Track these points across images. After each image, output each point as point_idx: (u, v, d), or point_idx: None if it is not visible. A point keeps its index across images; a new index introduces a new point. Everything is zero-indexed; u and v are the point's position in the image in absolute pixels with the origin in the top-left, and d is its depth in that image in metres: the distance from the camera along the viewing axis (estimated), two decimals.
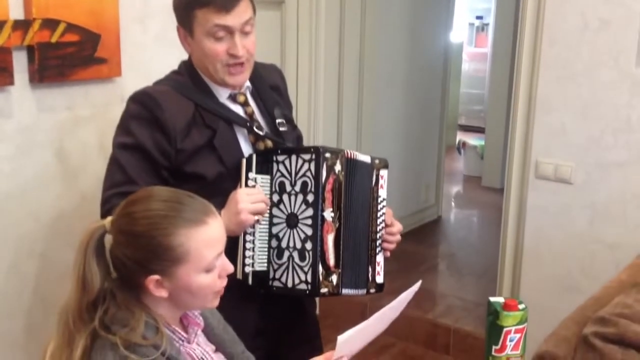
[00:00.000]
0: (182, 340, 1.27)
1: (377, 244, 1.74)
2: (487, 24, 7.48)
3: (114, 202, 1.53)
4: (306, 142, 2.78)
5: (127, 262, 1.20)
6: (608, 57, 2.49)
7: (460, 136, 6.72)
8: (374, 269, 1.74)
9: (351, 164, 1.65)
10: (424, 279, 1.55)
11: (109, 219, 1.24)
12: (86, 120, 2.15)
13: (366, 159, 1.71)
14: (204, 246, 1.20)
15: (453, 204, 5.42)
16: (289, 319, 1.76)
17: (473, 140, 6.33)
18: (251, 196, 1.55)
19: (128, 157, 1.58)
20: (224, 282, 1.27)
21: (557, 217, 2.70)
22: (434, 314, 3.28)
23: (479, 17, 7.64)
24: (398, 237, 1.78)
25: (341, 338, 1.22)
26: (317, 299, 1.87)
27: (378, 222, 1.74)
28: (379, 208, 1.74)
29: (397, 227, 1.79)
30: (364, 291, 1.72)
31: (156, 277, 1.19)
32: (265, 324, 1.69)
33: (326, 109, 3.53)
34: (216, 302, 1.28)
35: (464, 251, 4.31)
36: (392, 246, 1.77)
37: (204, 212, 1.23)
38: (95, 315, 1.18)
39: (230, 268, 1.27)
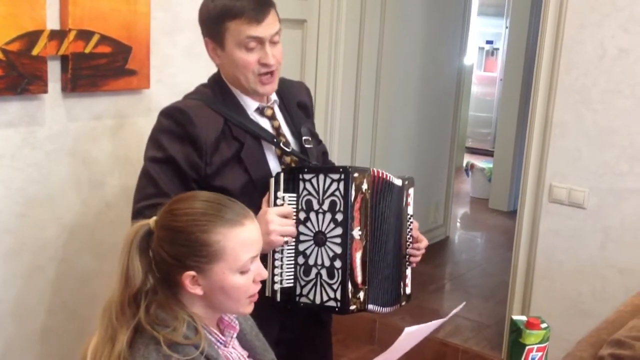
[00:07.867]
0: (220, 343, 1.31)
1: (406, 259, 1.77)
2: (497, 49, 7.55)
3: (147, 214, 1.55)
4: None
5: (166, 258, 1.24)
6: (625, 85, 2.53)
7: (468, 158, 6.75)
8: (404, 283, 1.77)
9: (379, 183, 1.66)
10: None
11: (154, 218, 1.28)
12: (113, 130, 2.20)
13: (397, 181, 1.72)
14: (239, 246, 1.25)
15: (460, 225, 5.44)
16: (307, 330, 1.79)
17: (480, 162, 6.37)
18: (282, 220, 1.58)
19: (159, 170, 1.60)
20: (257, 287, 1.30)
21: (569, 241, 2.73)
22: (442, 333, 3.29)
23: (489, 42, 7.71)
24: (423, 251, 1.82)
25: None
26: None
27: (407, 238, 1.77)
28: (407, 225, 1.77)
29: (424, 242, 1.82)
30: (389, 309, 1.72)
31: (192, 273, 1.23)
32: (284, 334, 1.72)
33: (342, 127, 3.58)
34: (250, 309, 1.31)
35: (471, 272, 4.33)
36: (418, 259, 1.81)
37: (243, 215, 1.28)
38: (137, 311, 1.22)
39: (264, 274, 1.31)
